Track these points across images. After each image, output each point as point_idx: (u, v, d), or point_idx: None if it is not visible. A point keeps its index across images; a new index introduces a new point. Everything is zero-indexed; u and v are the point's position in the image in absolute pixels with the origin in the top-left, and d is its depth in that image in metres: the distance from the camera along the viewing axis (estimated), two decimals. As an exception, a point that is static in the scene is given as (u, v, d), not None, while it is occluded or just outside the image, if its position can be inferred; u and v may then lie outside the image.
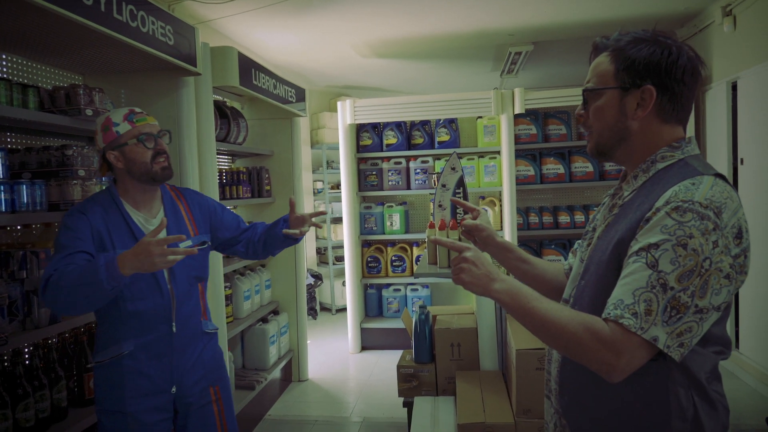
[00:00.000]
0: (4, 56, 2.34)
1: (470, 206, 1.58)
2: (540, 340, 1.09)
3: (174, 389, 1.91)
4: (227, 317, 3.38)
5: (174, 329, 1.89)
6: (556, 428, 1.24)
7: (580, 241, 1.41)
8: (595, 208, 4.94)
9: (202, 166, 2.90)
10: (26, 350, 2.19)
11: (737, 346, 4.20)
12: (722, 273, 0.99)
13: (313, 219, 2.17)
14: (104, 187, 2.02)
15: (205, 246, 2.03)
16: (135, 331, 1.84)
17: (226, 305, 3.36)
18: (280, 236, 2.12)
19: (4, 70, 2.34)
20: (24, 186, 2.00)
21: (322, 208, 2.09)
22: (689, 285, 0.97)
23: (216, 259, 3.01)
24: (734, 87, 4.20)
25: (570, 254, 1.48)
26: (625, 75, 1.13)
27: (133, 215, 1.87)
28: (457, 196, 3.43)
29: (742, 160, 4.07)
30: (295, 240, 2.12)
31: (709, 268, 0.98)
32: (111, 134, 1.84)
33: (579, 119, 1.23)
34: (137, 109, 1.91)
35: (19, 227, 2.30)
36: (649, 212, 1.04)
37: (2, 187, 1.92)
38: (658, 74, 1.11)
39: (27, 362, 2.09)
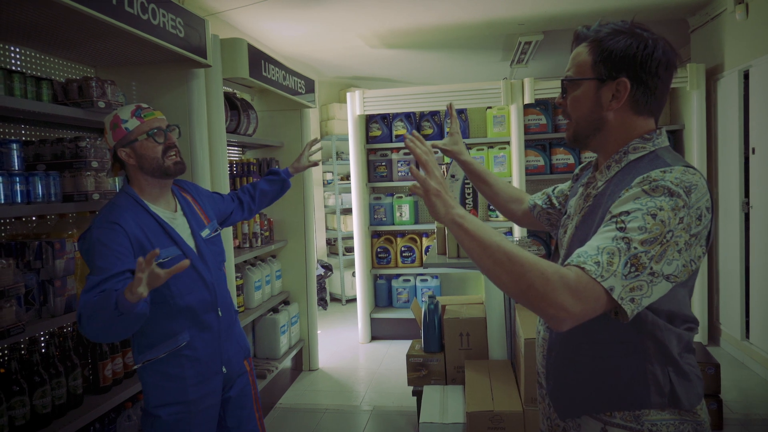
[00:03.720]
0: (18, 49, 2.37)
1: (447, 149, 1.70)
2: (493, 279, 1.04)
3: (224, 369, 1.98)
4: (238, 307, 3.42)
5: (220, 314, 1.96)
6: (550, 408, 1.30)
7: (554, 186, 1.55)
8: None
9: (213, 158, 2.92)
10: (42, 339, 2.23)
11: (747, 337, 4.19)
12: (677, 247, 1.03)
13: (311, 157, 2.66)
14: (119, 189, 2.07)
15: (219, 230, 2.10)
16: (188, 323, 1.88)
17: (238, 295, 3.40)
18: (283, 187, 2.55)
19: (18, 63, 2.38)
20: (39, 177, 2.03)
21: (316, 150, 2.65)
22: (650, 249, 1.01)
23: (227, 249, 3.03)
24: (746, 76, 4.15)
25: (541, 194, 1.58)
26: (602, 66, 1.16)
27: (160, 213, 1.89)
28: (466, 187, 3.45)
29: (753, 150, 4.03)
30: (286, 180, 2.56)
31: (669, 240, 1.02)
32: (120, 131, 1.84)
33: (558, 107, 1.27)
34: (144, 105, 1.91)
35: (34, 218, 2.34)
36: (622, 192, 1.10)
37: (18, 179, 1.95)
38: (633, 67, 1.14)
39: (43, 350, 2.14)
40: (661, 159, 1.13)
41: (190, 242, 1.92)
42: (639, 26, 1.17)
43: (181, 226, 1.93)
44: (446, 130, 5.16)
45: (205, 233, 1.98)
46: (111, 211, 1.78)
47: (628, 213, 1.04)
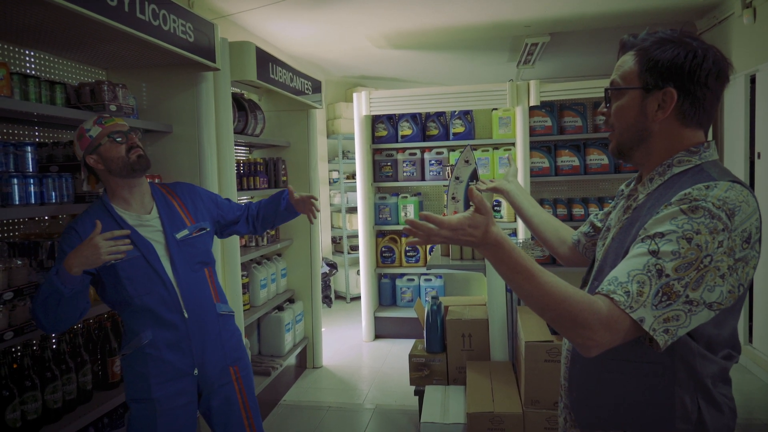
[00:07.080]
0: (32, 53, 2.42)
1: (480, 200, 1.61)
2: (527, 301, 1.04)
3: (196, 371, 2.01)
4: (244, 305, 3.47)
5: (186, 315, 1.98)
6: (566, 423, 1.29)
7: (596, 213, 1.49)
8: (609, 201, 4.94)
9: (221, 158, 2.97)
10: (54, 336, 2.29)
11: (750, 341, 4.20)
12: (719, 272, 0.98)
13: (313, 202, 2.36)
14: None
15: (204, 232, 2.12)
16: (150, 322, 1.94)
17: (243, 293, 3.45)
18: (283, 214, 2.29)
19: (33, 66, 2.43)
20: (52, 179, 2.08)
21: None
22: (685, 276, 0.97)
23: (233, 248, 3.09)
24: (753, 80, 4.16)
25: (582, 225, 1.53)
26: (648, 76, 1.12)
27: (126, 217, 1.95)
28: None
29: (759, 154, 4.04)
30: (296, 214, 2.32)
31: (708, 265, 0.97)
32: (86, 140, 1.93)
33: (601, 116, 1.23)
34: (105, 114, 2.01)
35: (46, 218, 2.40)
36: (660, 208, 1.05)
37: (32, 181, 2.00)
38: (680, 77, 1.10)
39: (54, 347, 2.19)
40: (706, 173, 1.08)
41: (160, 242, 1.98)
42: (688, 35, 1.12)
43: (151, 227, 1.99)
44: (452, 131, 5.20)
45: (181, 234, 2.02)
46: (77, 218, 1.93)
47: (662, 235, 1.00)
